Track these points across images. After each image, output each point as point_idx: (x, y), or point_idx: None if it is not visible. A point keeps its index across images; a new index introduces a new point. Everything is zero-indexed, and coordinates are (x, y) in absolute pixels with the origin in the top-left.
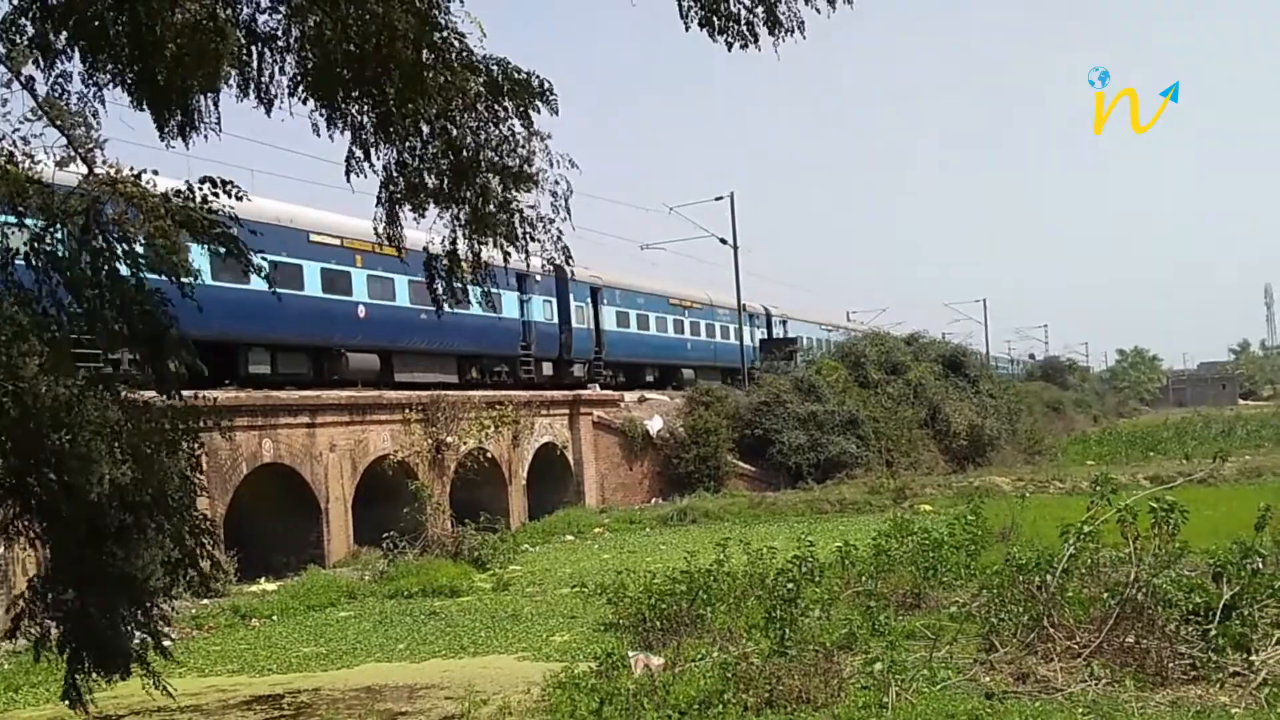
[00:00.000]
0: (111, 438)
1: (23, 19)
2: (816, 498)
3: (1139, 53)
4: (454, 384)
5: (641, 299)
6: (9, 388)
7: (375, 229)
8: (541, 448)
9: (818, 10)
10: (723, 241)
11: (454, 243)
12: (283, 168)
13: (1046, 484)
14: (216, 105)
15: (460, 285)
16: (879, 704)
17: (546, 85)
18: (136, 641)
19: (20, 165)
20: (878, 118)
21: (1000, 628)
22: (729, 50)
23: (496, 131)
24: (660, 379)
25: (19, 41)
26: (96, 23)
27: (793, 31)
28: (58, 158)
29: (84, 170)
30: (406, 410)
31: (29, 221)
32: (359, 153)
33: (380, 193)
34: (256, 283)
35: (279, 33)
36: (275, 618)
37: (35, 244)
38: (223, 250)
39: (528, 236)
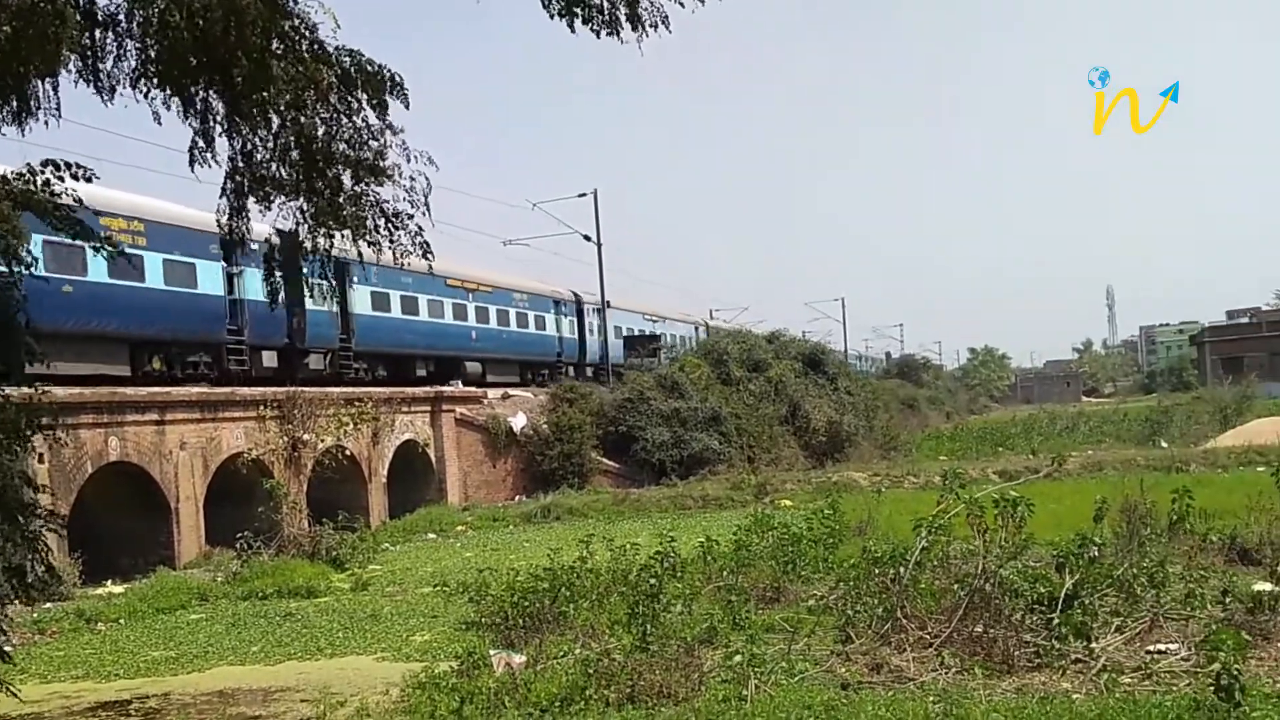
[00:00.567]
0: None
1: None
2: (680, 494)
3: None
4: (125, 377)
5: (409, 279)
6: None
7: (218, 220)
8: (402, 445)
9: (682, 4)
10: (586, 238)
11: (297, 234)
12: (127, 156)
13: (901, 479)
14: (56, 91)
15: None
16: (738, 697)
17: (399, 79)
18: None
19: None
20: (740, 118)
21: (856, 620)
22: (597, 38)
23: (349, 124)
24: (437, 373)
25: None
26: None
27: (657, 26)
28: None
29: None
30: (261, 407)
31: None
32: (202, 142)
33: (225, 183)
34: None
35: (120, 16)
36: (123, 621)
37: None
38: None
39: (390, 228)
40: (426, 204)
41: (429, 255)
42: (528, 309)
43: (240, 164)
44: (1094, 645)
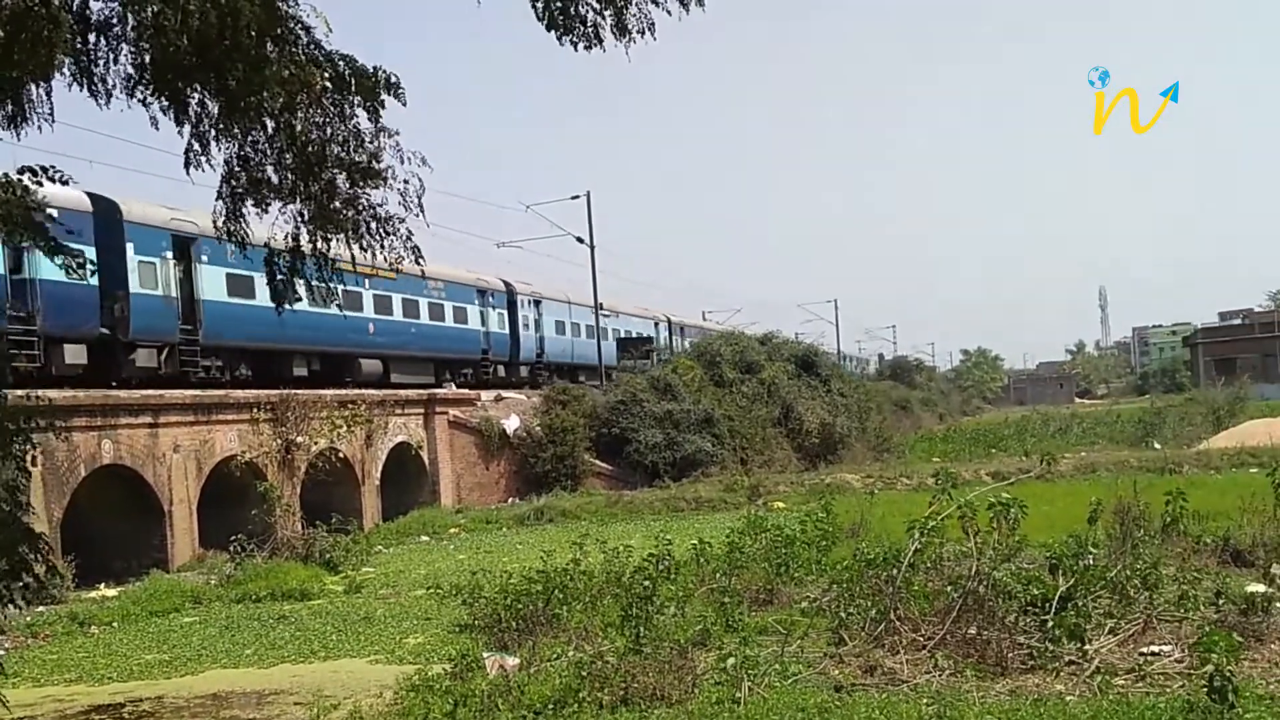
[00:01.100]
0: None
1: None
2: (673, 496)
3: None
4: None
5: None
6: None
7: (215, 223)
8: (396, 447)
9: (669, 12)
10: (579, 240)
11: (297, 238)
12: (125, 159)
13: (894, 480)
14: (49, 95)
15: (304, 280)
16: (732, 699)
17: (394, 79)
18: None
19: None
20: (730, 121)
21: (849, 622)
22: (575, 50)
23: (343, 127)
24: (323, 373)
25: None
26: None
27: (643, 33)
28: None
29: None
30: (255, 410)
31: None
32: (198, 146)
33: (221, 187)
34: None
35: (114, 20)
36: (116, 624)
37: None
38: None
39: (380, 232)
40: (420, 206)
41: (421, 259)
42: (444, 299)
43: (236, 168)
44: (1088, 647)
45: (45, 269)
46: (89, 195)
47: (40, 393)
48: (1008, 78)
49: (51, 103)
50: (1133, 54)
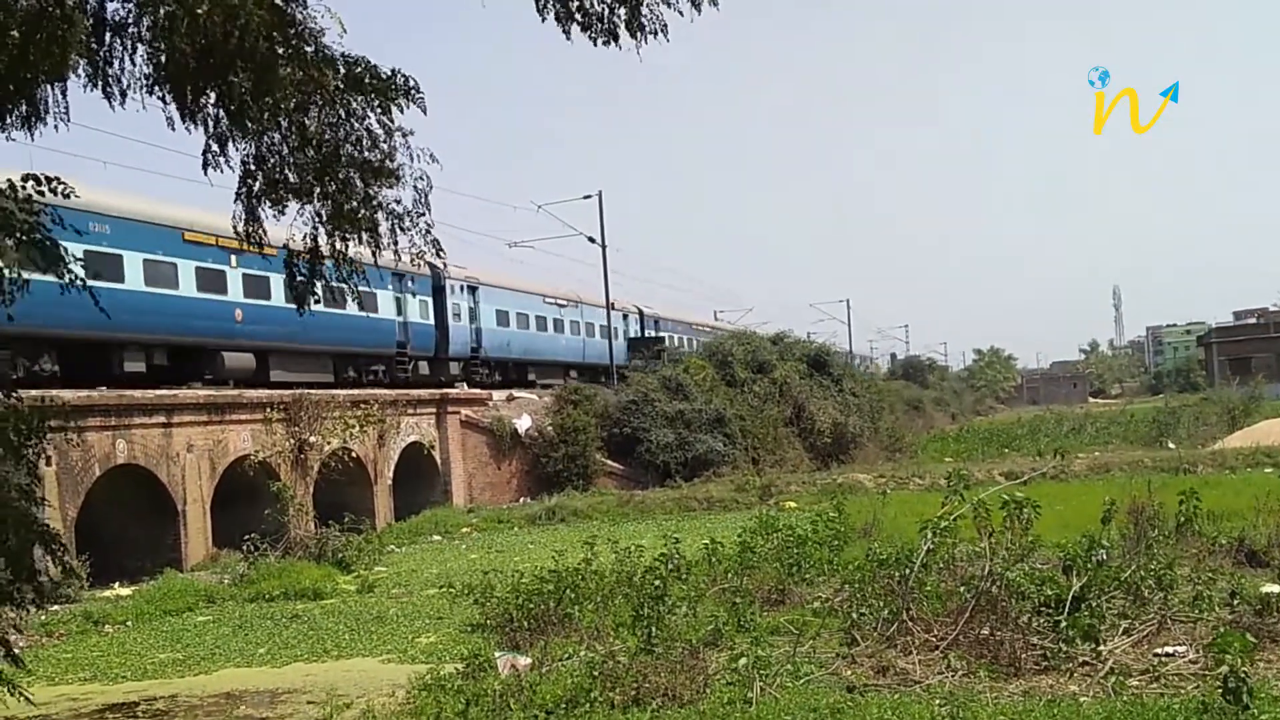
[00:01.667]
0: None
1: None
2: (684, 496)
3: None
4: None
5: (105, 225)
6: None
7: (235, 227)
8: (408, 447)
9: (681, 13)
10: (591, 240)
11: (315, 239)
12: (143, 161)
13: (907, 480)
14: (65, 95)
15: (323, 281)
16: (744, 699)
17: (413, 83)
18: None
19: None
20: (740, 119)
21: (861, 622)
22: (594, 45)
23: (357, 127)
24: (172, 369)
25: None
26: None
27: (656, 34)
28: None
29: None
30: (268, 409)
31: None
32: (215, 147)
33: (239, 188)
34: None
35: (129, 21)
36: (130, 623)
37: None
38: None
39: (396, 229)
40: (427, 203)
41: (441, 253)
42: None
43: (253, 168)
44: (1101, 648)
45: None
46: None
47: (54, 393)
48: (1023, 76)
49: (67, 103)
50: (1144, 50)
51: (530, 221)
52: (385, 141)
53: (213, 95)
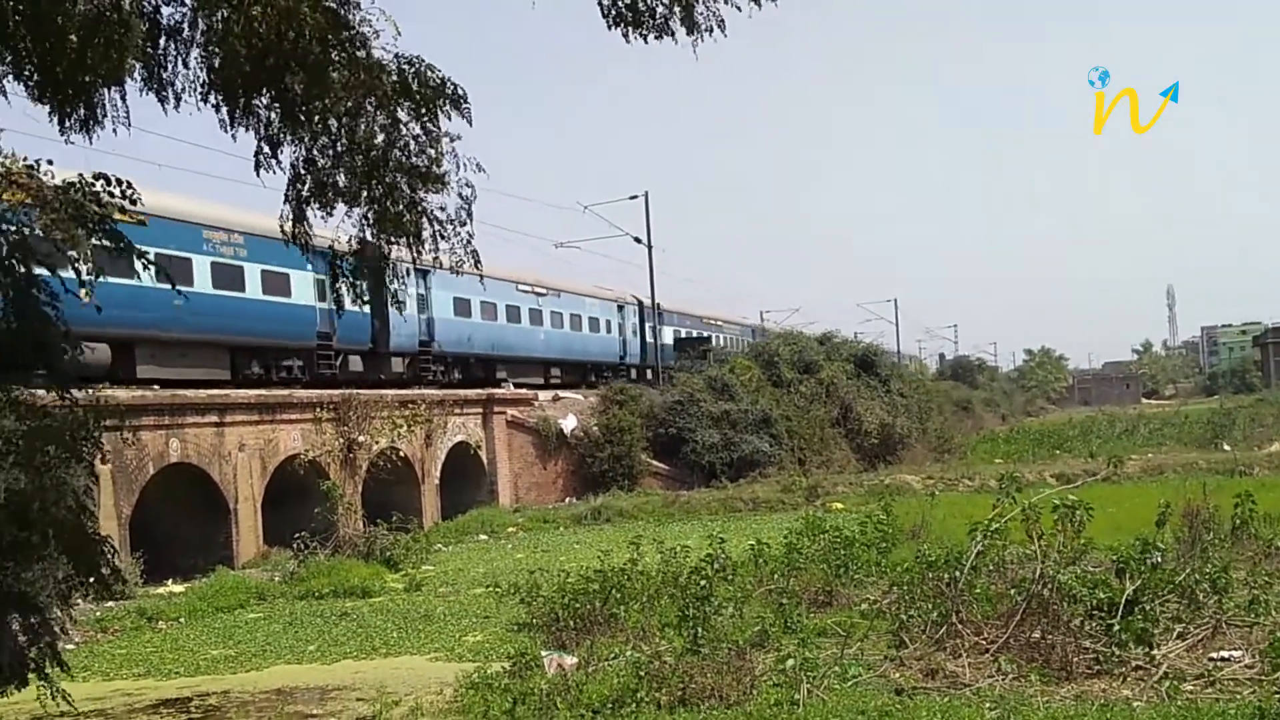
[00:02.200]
0: (6, 443)
1: None
2: (730, 496)
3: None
4: None
5: None
6: None
7: (281, 227)
8: (455, 447)
9: (739, 9)
10: (637, 240)
11: (361, 241)
12: (194, 163)
13: (956, 482)
14: (123, 99)
15: (366, 283)
16: (791, 701)
17: (461, 92)
18: (34, 651)
19: None
20: (789, 118)
21: (910, 624)
22: (644, 42)
23: (405, 132)
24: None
25: None
26: None
27: (712, 30)
28: None
29: None
30: (318, 409)
31: None
32: (267, 149)
33: (288, 190)
34: None
35: (184, 25)
36: (183, 620)
37: None
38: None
39: (438, 236)
40: (470, 211)
41: (479, 264)
42: (243, 261)
43: (302, 171)
44: (1155, 652)
45: None
46: None
47: (108, 393)
48: (1075, 74)
49: (126, 106)
50: (1196, 46)
51: (577, 222)
52: (432, 147)
53: (265, 98)
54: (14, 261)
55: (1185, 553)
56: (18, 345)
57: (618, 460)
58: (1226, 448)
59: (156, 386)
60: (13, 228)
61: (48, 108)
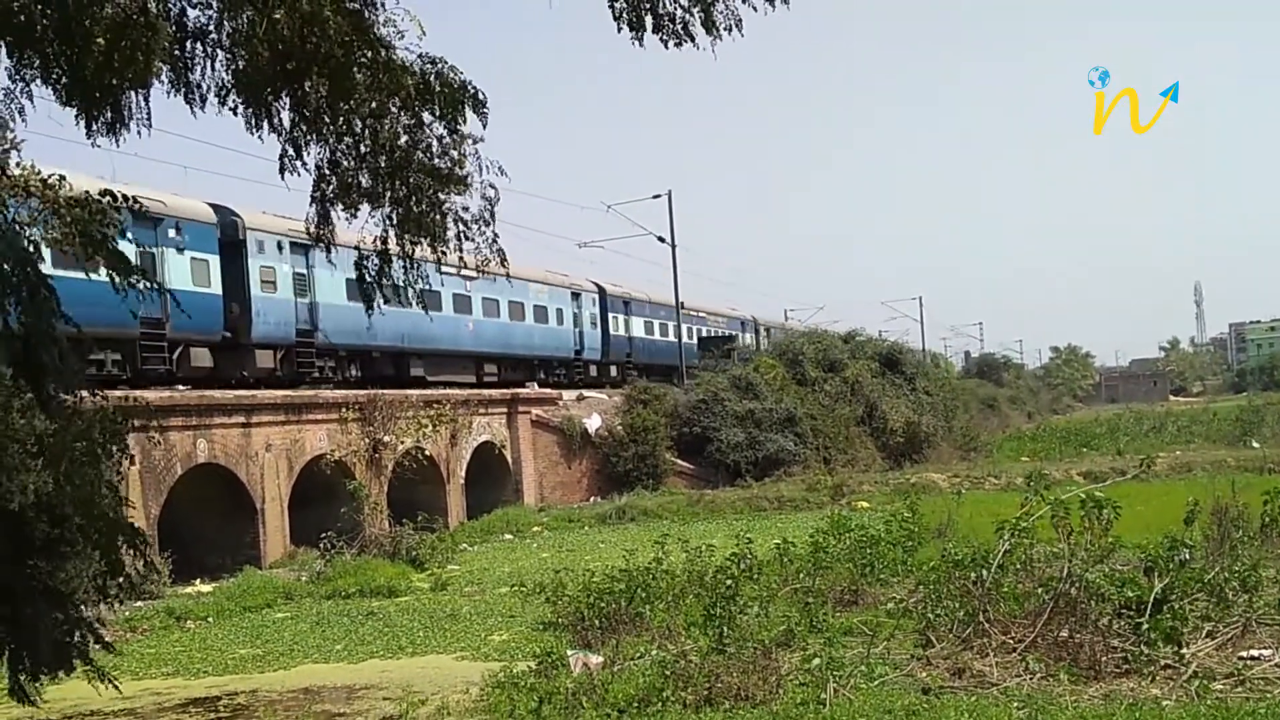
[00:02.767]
0: (37, 444)
1: None
2: (755, 495)
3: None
4: None
5: None
6: None
7: (307, 229)
8: (479, 447)
9: (754, 9)
10: (660, 240)
11: (385, 242)
12: (221, 165)
13: (982, 480)
14: (147, 102)
15: (391, 283)
16: (817, 700)
17: (481, 95)
18: (81, 637)
19: None
20: (809, 115)
21: (937, 623)
22: (665, 47)
23: (428, 133)
24: None
25: None
26: (23, 17)
27: (730, 30)
28: None
29: None
30: (343, 409)
31: None
32: (291, 151)
33: (313, 191)
34: None
35: (210, 28)
36: (211, 619)
37: None
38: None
39: (461, 236)
40: (492, 213)
41: (505, 263)
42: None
43: (326, 172)
44: (1184, 651)
45: None
46: None
47: (137, 393)
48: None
49: (149, 109)
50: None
51: (601, 222)
52: (455, 149)
53: (288, 100)
54: (27, 267)
55: (1214, 551)
56: (37, 347)
57: (642, 459)
58: (1255, 445)
59: (186, 387)
60: (27, 233)
61: (75, 111)
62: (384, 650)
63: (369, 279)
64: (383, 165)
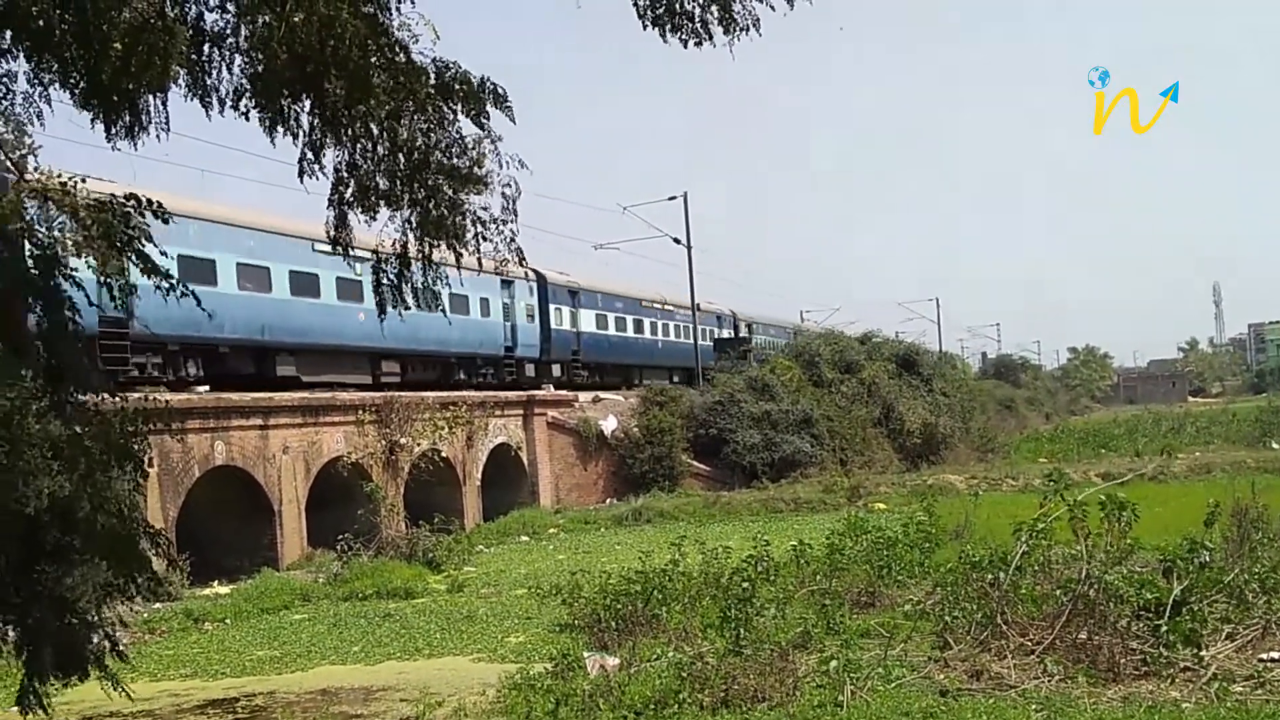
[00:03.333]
0: (53, 448)
1: None
2: (771, 497)
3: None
4: None
5: None
6: None
7: (326, 232)
8: (496, 448)
9: (773, 8)
10: (676, 241)
11: (404, 245)
12: (238, 169)
13: (999, 481)
14: (165, 105)
15: (410, 286)
16: (834, 702)
17: (501, 90)
18: (94, 643)
19: None
20: (827, 118)
21: (954, 625)
22: (684, 47)
23: (447, 134)
24: None
25: None
26: (41, 21)
27: (748, 29)
28: None
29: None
30: (360, 411)
31: None
32: (310, 154)
33: (331, 195)
34: None
35: (228, 31)
36: (229, 621)
37: None
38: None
39: (480, 237)
40: (515, 209)
41: (524, 261)
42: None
43: (345, 175)
44: (1204, 653)
45: None
46: None
47: (157, 395)
48: (1120, 72)
49: (167, 113)
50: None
51: (617, 224)
52: (474, 148)
53: (307, 104)
54: (42, 273)
55: (1234, 552)
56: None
57: (658, 461)
58: (1275, 446)
59: (206, 388)
60: (43, 239)
61: (93, 115)
62: (401, 652)
63: (387, 282)
64: (401, 167)
